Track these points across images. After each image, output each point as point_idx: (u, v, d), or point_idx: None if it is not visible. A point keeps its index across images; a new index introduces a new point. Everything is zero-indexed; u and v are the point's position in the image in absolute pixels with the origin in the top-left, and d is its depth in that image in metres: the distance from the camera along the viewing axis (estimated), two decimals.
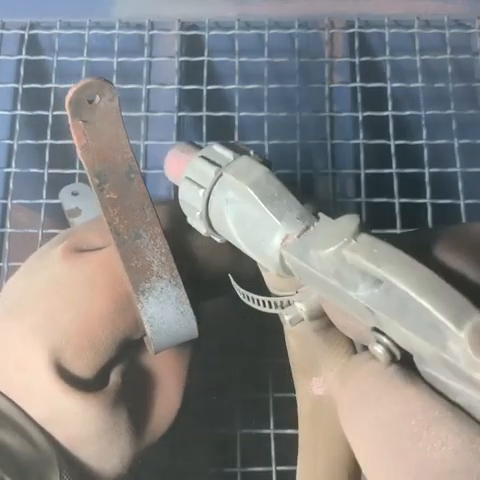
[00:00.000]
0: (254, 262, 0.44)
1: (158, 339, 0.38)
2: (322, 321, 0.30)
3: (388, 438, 0.24)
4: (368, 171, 0.60)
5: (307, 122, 0.63)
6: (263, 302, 0.31)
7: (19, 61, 0.64)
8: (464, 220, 0.58)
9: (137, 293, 0.37)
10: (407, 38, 0.66)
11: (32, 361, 0.36)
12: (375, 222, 0.58)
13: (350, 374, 0.26)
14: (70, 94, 0.33)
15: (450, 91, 0.63)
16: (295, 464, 0.52)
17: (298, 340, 0.33)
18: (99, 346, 0.37)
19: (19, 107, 0.62)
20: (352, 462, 0.27)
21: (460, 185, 0.60)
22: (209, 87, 0.63)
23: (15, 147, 0.61)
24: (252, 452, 0.53)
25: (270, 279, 0.32)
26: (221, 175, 0.30)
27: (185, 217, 0.42)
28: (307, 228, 0.27)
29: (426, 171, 0.60)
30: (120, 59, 0.64)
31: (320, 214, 0.28)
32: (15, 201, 0.59)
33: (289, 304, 0.30)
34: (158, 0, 0.68)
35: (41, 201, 0.59)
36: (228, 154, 0.30)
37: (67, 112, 0.34)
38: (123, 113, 0.59)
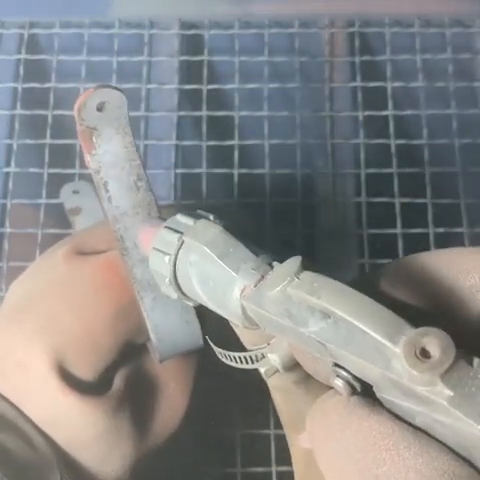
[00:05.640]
0: None
1: (163, 348, 0.37)
2: (300, 372, 0.31)
3: (355, 466, 0.25)
4: (368, 171, 0.60)
5: (307, 122, 0.63)
6: (239, 358, 0.32)
7: (18, 60, 0.64)
8: (465, 220, 0.58)
9: (142, 302, 0.37)
10: (408, 37, 0.65)
11: (34, 363, 0.36)
12: (375, 222, 0.58)
13: (317, 411, 0.27)
14: (79, 101, 0.33)
15: (451, 91, 0.63)
16: None
17: (282, 395, 0.34)
18: (101, 348, 0.37)
19: (18, 106, 0.62)
20: None
21: (460, 185, 0.60)
22: (209, 87, 0.63)
23: (14, 147, 0.61)
24: (252, 452, 0.53)
25: (242, 334, 0.33)
26: (183, 241, 0.32)
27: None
28: (262, 277, 0.29)
29: (426, 171, 0.60)
30: (120, 58, 0.64)
31: (274, 263, 0.29)
32: (14, 201, 0.59)
33: (263, 357, 0.31)
34: None
35: (41, 201, 0.58)
36: (189, 221, 0.32)
37: (75, 119, 0.34)
38: None
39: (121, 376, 0.39)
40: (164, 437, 0.40)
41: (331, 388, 0.28)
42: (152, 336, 0.37)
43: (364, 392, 0.26)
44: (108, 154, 0.35)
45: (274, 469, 0.52)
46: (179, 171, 0.61)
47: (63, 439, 0.37)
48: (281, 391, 0.33)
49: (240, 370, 0.32)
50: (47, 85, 0.63)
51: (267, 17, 0.66)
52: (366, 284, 0.28)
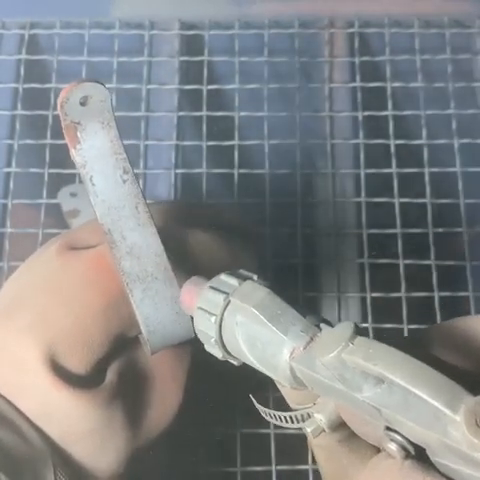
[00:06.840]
0: (252, 258, 0.44)
1: (154, 339, 0.38)
2: (344, 431, 0.31)
3: None
4: (368, 171, 0.60)
5: (307, 122, 0.63)
6: (285, 418, 0.32)
7: (19, 61, 0.64)
8: (464, 220, 0.58)
9: (132, 294, 0.37)
10: (407, 38, 0.66)
11: (26, 357, 0.36)
12: (375, 222, 0.58)
13: (371, 475, 0.28)
14: (62, 96, 0.33)
15: (450, 91, 0.63)
16: (295, 464, 0.52)
17: (325, 454, 0.34)
18: (92, 342, 0.37)
19: (19, 107, 0.62)
20: None
21: (460, 185, 0.60)
22: (209, 87, 0.63)
23: (15, 147, 0.61)
24: (252, 452, 0.53)
25: (288, 394, 0.33)
26: (229, 301, 0.32)
27: (181, 216, 0.42)
28: (311, 339, 0.29)
29: (426, 171, 0.60)
30: (120, 59, 0.64)
31: (322, 325, 0.30)
32: (15, 201, 0.59)
33: (309, 417, 0.31)
34: (158, 0, 0.68)
35: (41, 201, 0.59)
36: (233, 281, 0.32)
37: (59, 114, 0.34)
38: (123, 113, 0.59)
39: (113, 370, 0.39)
40: (158, 431, 0.40)
41: (376, 447, 0.29)
42: (142, 328, 0.37)
43: (418, 455, 0.26)
44: (93, 148, 0.35)
45: (274, 468, 0.52)
46: (179, 171, 0.61)
47: (57, 433, 0.37)
48: (324, 449, 0.34)
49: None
50: (48, 85, 0.63)
51: (267, 17, 0.66)
52: (416, 347, 0.28)
